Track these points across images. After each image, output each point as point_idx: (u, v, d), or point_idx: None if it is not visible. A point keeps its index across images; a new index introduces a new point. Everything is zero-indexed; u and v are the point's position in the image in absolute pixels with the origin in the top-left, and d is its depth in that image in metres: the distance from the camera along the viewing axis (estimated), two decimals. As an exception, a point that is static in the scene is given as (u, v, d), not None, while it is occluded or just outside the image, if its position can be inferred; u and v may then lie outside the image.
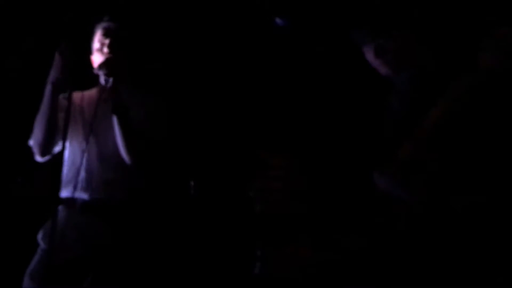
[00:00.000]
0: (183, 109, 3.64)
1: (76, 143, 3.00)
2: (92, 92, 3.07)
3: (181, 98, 3.67)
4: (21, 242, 3.21)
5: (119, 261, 2.95)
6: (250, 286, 2.77)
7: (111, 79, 2.92)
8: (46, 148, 3.02)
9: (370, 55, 2.60)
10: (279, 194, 2.52)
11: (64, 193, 3.01)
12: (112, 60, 2.96)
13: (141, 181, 3.07)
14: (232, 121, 3.55)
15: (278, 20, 3.14)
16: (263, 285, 2.64)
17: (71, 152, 3.03)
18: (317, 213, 2.50)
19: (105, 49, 2.98)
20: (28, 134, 3.08)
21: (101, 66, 2.95)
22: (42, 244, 2.99)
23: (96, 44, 3.06)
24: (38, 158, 3.10)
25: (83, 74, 3.10)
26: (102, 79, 2.95)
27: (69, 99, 2.85)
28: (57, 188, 2.83)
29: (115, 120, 2.94)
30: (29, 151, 3.11)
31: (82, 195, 2.92)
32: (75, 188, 2.97)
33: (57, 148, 3.05)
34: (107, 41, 2.99)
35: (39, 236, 2.99)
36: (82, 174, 2.91)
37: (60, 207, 3.03)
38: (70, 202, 3.00)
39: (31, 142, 3.10)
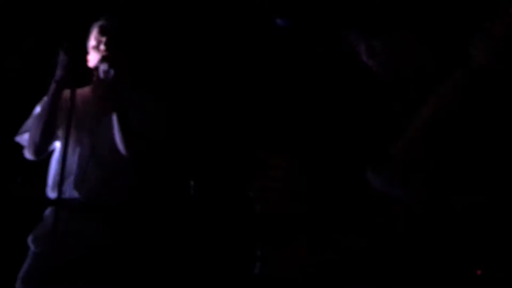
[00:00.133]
0: (183, 109, 3.64)
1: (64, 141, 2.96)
2: (85, 91, 3.04)
3: (181, 98, 3.67)
4: (21, 242, 3.20)
5: (115, 261, 2.93)
6: (250, 286, 2.77)
7: (112, 71, 2.90)
8: (42, 147, 2.99)
9: (364, 56, 2.60)
10: (279, 194, 2.52)
11: (55, 193, 2.96)
12: (109, 57, 2.95)
13: (137, 180, 3.05)
14: (232, 121, 3.55)
15: (278, 21, 3.14)
16: (263, 285, 2.63)
17: (63, 151, 2.97)
18: (317, 213, 2.50)
19: (102, 47, 2.97)
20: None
21: (101, 60, 2.93)
22: (32, 247, 2.95)
23: (92, 42, 3.05)
24: (31, 157, 3.04)
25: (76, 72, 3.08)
26: (102, 73, 2.93)
27: (72, 98, 2.85)
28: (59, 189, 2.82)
29: (114, 118, 2.92)
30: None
31: (75, 195, 2.88)
32: (67, 188, 2.93)
33: (51, 148, 3.03)
34: (103, 39, 2.98)
35: (30, 239, 2.95)
36: (75, 173, 2.87)
37: (51, 209, 3.00)
38: (62, 202, 2.95)
39: (25, 141, 3.04)
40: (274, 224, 2.60)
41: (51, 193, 3.02)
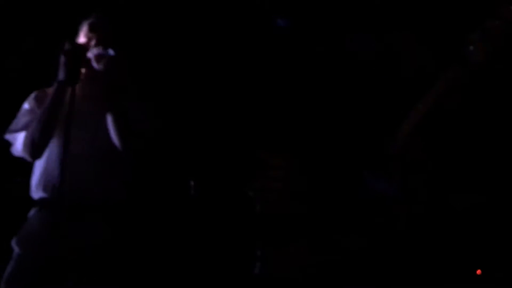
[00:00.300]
0: (183, 109, 3.64)
1: (56, 141, 2.93)
2: (76, 89, 3.01)
3: (181, 98, 3.67)
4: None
5: (107, 263, 2.90)
6: (250, 286, 2.77)
7: (110, 50, 2.87)
8: (42, 147, 2.95)
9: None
10: (279, 194, 2.52)
11: (42, 194, 2.94)
12: (102, 42, 2.92)
13: (134, 179, 3.03)
14: (232, 121, 3.55)
15: (279, 21, 3.14)
16: (263, 285, 2.63)
17: (50, 151, 2.94)
18: (317, 214, 2.50)
19: (92, 43, 2.94)
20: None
21: (95, 45, 2.90)
22: (16, 249, 2.92)
23: (82, 39, 3.03)
24: (28, 158, 2.99)
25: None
26: (97, 59, 2.89)
27: (72, 97, 2.84)
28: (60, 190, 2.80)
29: (109, 116, 2.90)
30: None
31: (65, 195, 2.84)
32: (55, 188, 2.89)
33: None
34: (94, 35, 2.96)
35: (14, 241, 2.92)
36: (64, 173, 2.83)
37: (35, 210, 2.97)
38: (49, 203, 2.92)
39: (16, 140, 3.00)
40: (274, 224, 2.60)
41: (35, 194, 2.99)
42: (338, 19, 3.08)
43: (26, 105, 3.04)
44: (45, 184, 2.94)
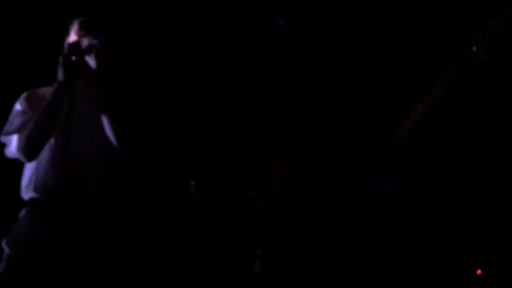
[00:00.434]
0: (183, 109, 3.63)
1: (48, 141, 2.92)
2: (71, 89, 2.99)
3: (181, 98, 3.67)
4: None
5: (109, 263, 2.90)
6: (250, 286, 2.77)
7: (98, 40, 2.86)
8: (38, 148, 2.94)
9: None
10: (279, 194, 2.53)
11: (32, 194, 2.93)
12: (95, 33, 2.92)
13: (131, 180, 3.01)
14: (232, 121, 3.55)
15: (279, 21, 3.14)
16: (263, 285, 2.63)
17: (42, 152, 2.93)
18: (317, 214, 2.50)
19: (84, 41, 2.93)
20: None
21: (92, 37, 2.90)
22: (7, 250, 2.90)
23: (72, 38, 3.01)
24: (25, 159, 2.98)
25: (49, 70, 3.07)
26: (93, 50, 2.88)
27: (71, 97, 2.83)
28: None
29: (103, 115, 2.88)
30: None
31: (58, 196, 2.83)
32: (47, 189, 2.88)
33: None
34: (84, 33, 2.94)
35: (4, 242, 2.91)
36: (62, 174, 2.82)
37: (26, 210, 2.96)
38: (40, 203, 2.91)
39: (10, 141, 2.98)
40: (274, 224, 2.60)
41: (25, 195, 2.98)
42: (338, 19, 3.08)
43: (18, 107, 3.02)
44: (36, 185, 2.92)
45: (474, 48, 2.40)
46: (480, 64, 2.39)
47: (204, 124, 3.64)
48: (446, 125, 2.47)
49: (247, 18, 3.54)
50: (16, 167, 3.01)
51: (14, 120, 2.98)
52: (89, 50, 2.88)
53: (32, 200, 2.93)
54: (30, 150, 2.89)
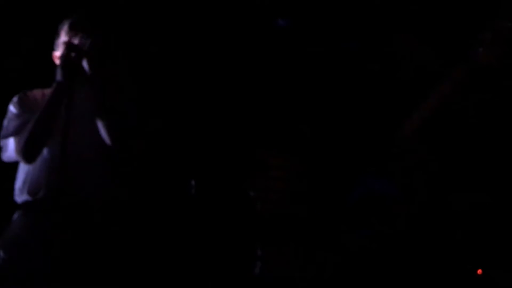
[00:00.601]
0: (183, 109, 3.63)
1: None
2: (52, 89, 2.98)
3: (181, 98, 3.67)
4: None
5: (109, 263, 2.89)
6: (250, 286, 2.77)
7: (93, 39, 2.85)
8: (38, 150, 2.94)
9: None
10: (279, 194, 2.53)
11: (26, 197, 2.92)
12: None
13: (129, 179, 3.01)
14: (232, 121, 3.55)
15: (279, 21, 3.14)
16: (263, 285, 2.63)
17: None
18: (317, 214, 2.50)
19: (76, 40, 2.92)
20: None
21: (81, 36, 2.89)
22: (1, 253, 2.90)
23: (63, 38, 3.00)
24: (24, 161, 2.97)
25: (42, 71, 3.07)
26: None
27: (70, 97, 2.83)
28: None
29: (96, 115, 2.88)
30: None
31: (55, 197, 2.82)
32: (41, 191, 2.88)
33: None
34: (75, 34, 2.94)
35: None
36: (52, 176, 2.81)
37: (20, 213, 2.95)
38: (34, 206, 2.90)
39: (7, 146, 2.98)
40: (274, 224, 2.60)
41: (19, 197, 2.97)
42: (339, 19, 3.08)
43: (13, 109, 3.02)
44: (30, 187, 2.92)
45: (481, 49, 2.40)
46: (487, 65, 2.39)
47: (204, 124, 3.64)
48: (447, 125, 2.47)
49: (247, 18, 3.54)
50: (9, 170, 3.01)
51: (10, 123, 2.98)
52: (85, 50, 2.88)
53: (26, 202, 2.93)
54: (30, 151, 2.88)
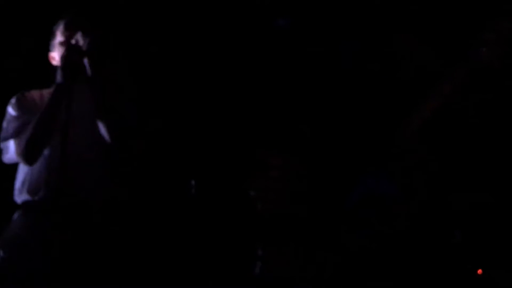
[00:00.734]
0: (183, 109, 3.64)
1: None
2: (52, 90, 2.98)
3: (181, 97, 3.67)
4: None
5: (109, 262, 2.90)
6: (250, 286, 2.77)
7: (90, 39, 2.84)
8: (39, 151, 2.94)
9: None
10: (279, 194, 2.52)
11: (26, 197, 2.92)
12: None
13: (128, 179, 3.01)
14: (232, 121, 3.55)
15: (279, 20, 3.14)
16: (263, 285, 2.63)
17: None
18: (317, 214, 2.49)
19: (73, 41, 2.91)
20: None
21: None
22: (1, 253, 2.91)
23: (59, 38, 3.00)
24: (26, 163, 2.97)
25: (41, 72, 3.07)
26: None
27: (69, 99, 2.84)
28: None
29: (101, 117, 2.88)
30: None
31: (55, 197, 2.83)
32: (41, 191, 2.88)
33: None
34: (71, 34, 2.93)
35: None
36: (51, 176, 2.82)
37: (20, 213, 2.95)
38: (34, 206, 2.91)
39: (7, 148, 2.98)
40: (274, 224, 2.60)
41: (19, 198, 2.98)
42: (339, 19, 3.08)
43: (11, 111, 3.02)
44: (30, 187, 2.93)
45: (482, 49, 2.40)
46: (488, 65, 2.39)
47: (204, 124, 3.64)
48: (447, 125, 2.47)
49: (246, 18, 3.54)
50: (8, 169, 3.01)
51: (9, 125, 2.98)
52: (84, 50, 2.88)
53: (25, 202, 2.93)
54: (31, 153, 2.89)
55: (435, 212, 2.44)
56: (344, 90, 2.86)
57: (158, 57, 3.71)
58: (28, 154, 2.93)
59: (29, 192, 2.94)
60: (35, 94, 3.06)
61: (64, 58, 2.89)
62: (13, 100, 3.06)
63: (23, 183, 2.99)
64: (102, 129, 2.89)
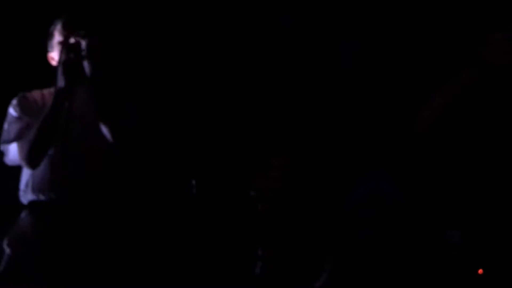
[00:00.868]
0: (184, 108, 3.63)
1: None
2: (53, 91, 2.97)
3: (181, 97, 3.66)
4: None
5: (109, 262, 2.90)
6: (250, 286, 2.77)
7: (89, 38, 2.83)
8: (42, 155, 2.94)
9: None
10: (279, 194, 2.52)
11: (31, 197, 2.93)
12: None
13: (128, 179, 3.00)
14: (232, 121, 3.55)
15: (281, 20, 3.13)
16: (263, 285, 2.63)
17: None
18: (317, 214, 2.50)
19: (72, 40, 2.90)
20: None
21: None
22: (8, 251, 2.91)
23: (57, 38, 2.99)
24: (29, 167, 2.97)
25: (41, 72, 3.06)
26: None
27: (70, 101, 2.83)
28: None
29: (100, 117, 2.87)
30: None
31: (54, 197, 2.83)
32: (45, 191, 2.89)
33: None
34: (69, 33, 2.92)
35: (5, 242, 2.91)
36: (54, 176, 2.82)
37: (27, 211, 2.96)
38: (39, 205, 2.91)
39: (14, 152, 2.98)
40: (274, 224, 2.60)
41: (24, 198, 2.98)
42: (340, 19, 3.07)
43: (13, 113, 3.01)
44: (34, 187, 2.93)
45: (495, 49, 2.40)
46: (500, 65, 2.39)
47: (205, 124, 3.64)
48: (451, 125, 2.47)
49: (247, 16, 3.54)
50: (14, 168, 3.02)
51: (11, 127, 2.97)
52: (83, 50, 2.87)
53: (31, 202, 2.94)
54: (34, 158, 2.89)
55: (435, 212, 2.44)
56: (344, 90, 2.86)
57: (158, 57, 3.71)
58: (32, 160, 2.92)
59: (34, 192, 2.94)
60: (36, 94, 3.05)
61: (63, 63, 2.88)
62: (14, 101, 3.05)
63: (27, 183, 2.99)
64: (103, 129, 2.88)
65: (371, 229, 2.45)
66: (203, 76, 3.66)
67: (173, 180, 3.64)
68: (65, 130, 2.78)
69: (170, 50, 3.70)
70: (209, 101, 3.64)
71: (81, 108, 2.92)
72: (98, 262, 2.85)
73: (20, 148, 2.92)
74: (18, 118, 2.97)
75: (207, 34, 3.66)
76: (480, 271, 2.41)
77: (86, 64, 2.87)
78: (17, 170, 3.02)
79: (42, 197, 2.90)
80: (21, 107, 2.98)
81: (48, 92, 2.99)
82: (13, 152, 2.96)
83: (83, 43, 2.84)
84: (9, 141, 2.96)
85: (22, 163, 2.93)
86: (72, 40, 2.89)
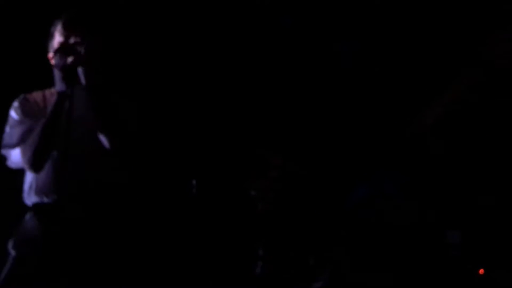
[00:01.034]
0: (184, 108, 3.63)
1: None
2: (54, 91, 2.97)
3: (181, 97, 3.67)
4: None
5: (110, 262, 2.90)
6: (250, 286, 2.77)
7: (89, 39, 2.83)
8: (44, 159, 2.94)
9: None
10: (279, 194, 2.52)
11: (35, 199, 2.93)
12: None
13: (129, 179, 3.00)
14: (232, 121, 3.55)
15: (282, 20, 3.13)
16: (263, 285, 2.63)
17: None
18: (317, 213, 2.50)
19: (72, 40, 2.89)
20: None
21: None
22: (13, 253, 2.91)
23: (58, 39, 2.98)
24: (32, 170, 2.97)
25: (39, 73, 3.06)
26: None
27: (70, 103, 2.83)
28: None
29: (96, 117, 2.87)
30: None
31: (57, 199, 2.83)
32: (49, 192, 2.89)
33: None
34: (70, 33, 2.91)
35: (10, 244, 2.91)
36: (57, 178, 2.82)
37: (31, 214, 2.96)
38: (43, 207, 2.91)
39: (16, 155, 2.97)
40: (274, 224, 2.60)
41: (28, 200, 2.98)
42: (340, 19, 3.07)
43: (14, 116, 3.00)
44: (38, 189, 2.93)
45: (500, 49, 2.40)
46: (501, 65, 2.39)
47: (205, 124, 3.64)
48: (453, 126, 2.47)
49: (247, 17, 3.54)
50: (18, 170, 3.02)
51: (13, 131, 2.96)
52: (83, 51, 2.86)
53: (35, 204, 2.94)
54: (37, 162, 2.88)
55: (436, 212, 2.44)
56: (344, 90, 2.86)
57: (158, 57, 3.71)
58: (35, 163, 2.92)
59: (37, 194, 2.94)
60: (37, 96, 3.04)
61: (60, 66, 2.88)
62: (15, 104, 3.04)
63: (30, 186, 2.99)
64: (102, 131, 2.88)
65: (371, 229, 2.46)
66: (203, 76, 3.66)
67: (173, 180, 3.64)
68: (66, 132, 2.78)
69: (170, 50, 3.70)
70: (209, 101, 3.64)
71: (81, 110, 2.92)
72: (102, 262, 2.85)
73: (23, 152, 2.92)
74: (20, 121, 2.97)
75: (207, 34, 3.66)
76: (481, 271, 2.41)
77: (84, 67, 2.87)
78: (20, 172, 3.02)
79: (46, 199, 2.90)
80: (23, 109, 2.98)
81: (49, 92, 2.99)
82: (15, 155, 2.96)
83: (82, 47, 2.84)
84: (12, 146, 2.96)
85: (25, 167, 2.93)
86: (71, 40, 2.89)
